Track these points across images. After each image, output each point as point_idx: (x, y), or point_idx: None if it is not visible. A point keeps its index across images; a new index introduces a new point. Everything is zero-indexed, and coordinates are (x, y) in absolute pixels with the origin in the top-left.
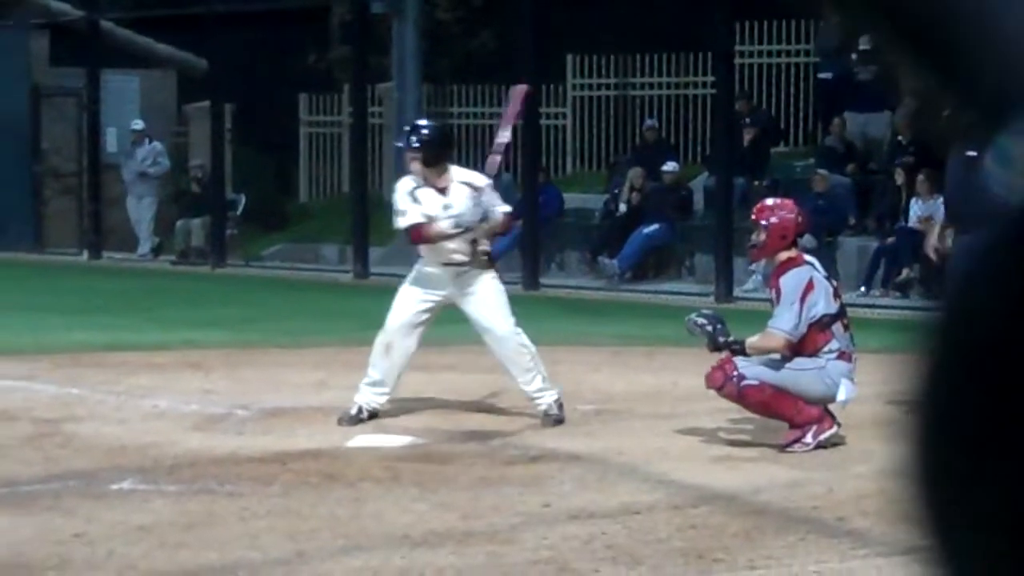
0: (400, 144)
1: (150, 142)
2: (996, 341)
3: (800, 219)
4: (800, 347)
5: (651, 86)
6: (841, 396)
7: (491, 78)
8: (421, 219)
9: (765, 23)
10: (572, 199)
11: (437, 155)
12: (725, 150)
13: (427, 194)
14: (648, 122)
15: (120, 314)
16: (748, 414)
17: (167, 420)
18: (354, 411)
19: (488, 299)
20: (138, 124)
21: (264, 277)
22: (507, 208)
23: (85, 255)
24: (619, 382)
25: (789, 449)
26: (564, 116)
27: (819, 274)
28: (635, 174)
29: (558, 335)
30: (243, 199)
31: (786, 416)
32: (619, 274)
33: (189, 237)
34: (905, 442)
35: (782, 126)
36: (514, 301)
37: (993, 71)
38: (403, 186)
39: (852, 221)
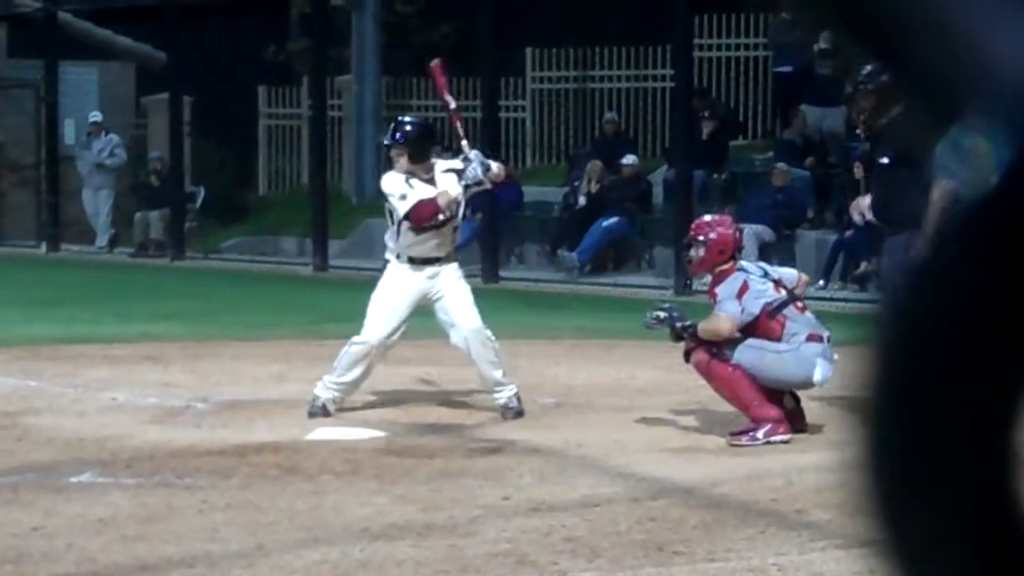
0: (386, 141)
1: (107, 134)
2: (950, 331)
3: (738, 235)
4: (758, 336)
5: (610, 79)
6: (817, 376)
7: (451, 71)
8: (425, 196)
9: (724, 16)
10: (531, 192)
11: (422, 150)
12: (684, 143)
13: (419, 183)
14: (607, 115)
15: (78, 306)
16: (707, 407)
17: (125, 413)
18: (319, 404)
19: (457, 295)
20: (96, 116)
21: (223, 270)
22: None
23: (43, 247)
24: (578, 375)
25: (735, 441)
26: (523, 109)
27: (753, 276)
28: (594, 167)
29: (517, 328)
30: (202, 191)
31: (744, 404)
32: (578, 267)
33: (148, 229)
34: (857, 435)
35: (741, 119)
36: (474, 294)
37: (946, 67)
38: (394, 177)
39: (811, 214)
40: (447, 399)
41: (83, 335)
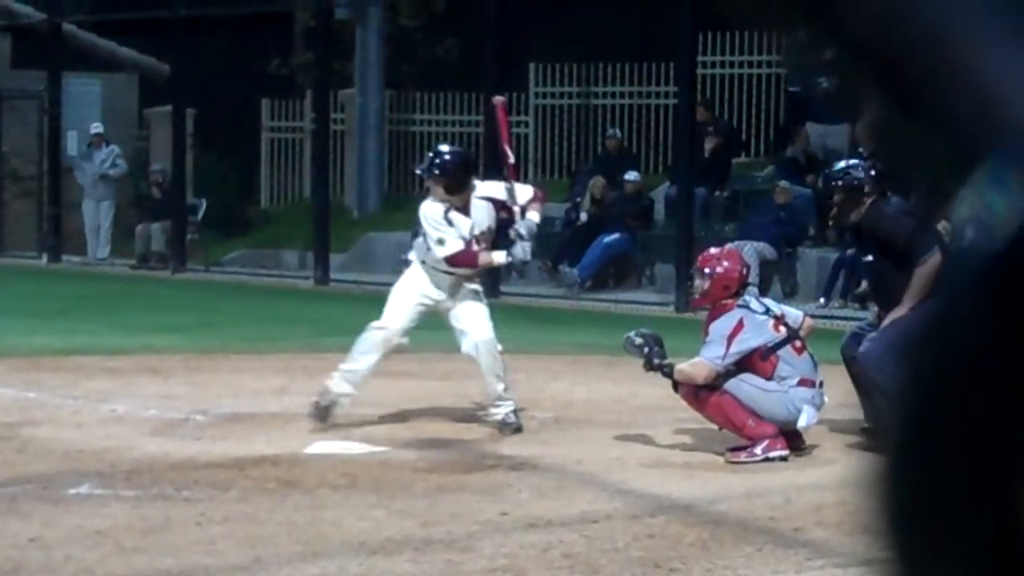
0: (419, 171)
1: (107, 145)
2: (966, 381)
3: (745, 271)
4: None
5: (613, 95)
6: (802, 423)
7: (454, 85)
8: (462, 245)
9: (727, 34)
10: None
11: (460, 182)
12: (686, 160)
13: (457, 217)
14: (610, 131)
15: (79, 318)
16: (706, 424)
17: (125, 425)
18: (329, 398)
19: (475, 306)
20: (97, 127)
21: (224, 282)
22: (534, 196)
23: (44, 259)
24: (578, 391)
25: (734, 458)
26: (526, 124)
27: (753, 312)
28: (596, 183)
29: (518, 343)
30: (204, 204)
31: (739, 425)
32: (579, 283)
33: (149, 241)
34: (872, 457)
35: (743, 137)
36: None
37: (965, 115)
38: (434, 210)
39: (812, 232)
40: (446, 414)
41: (83, 347)
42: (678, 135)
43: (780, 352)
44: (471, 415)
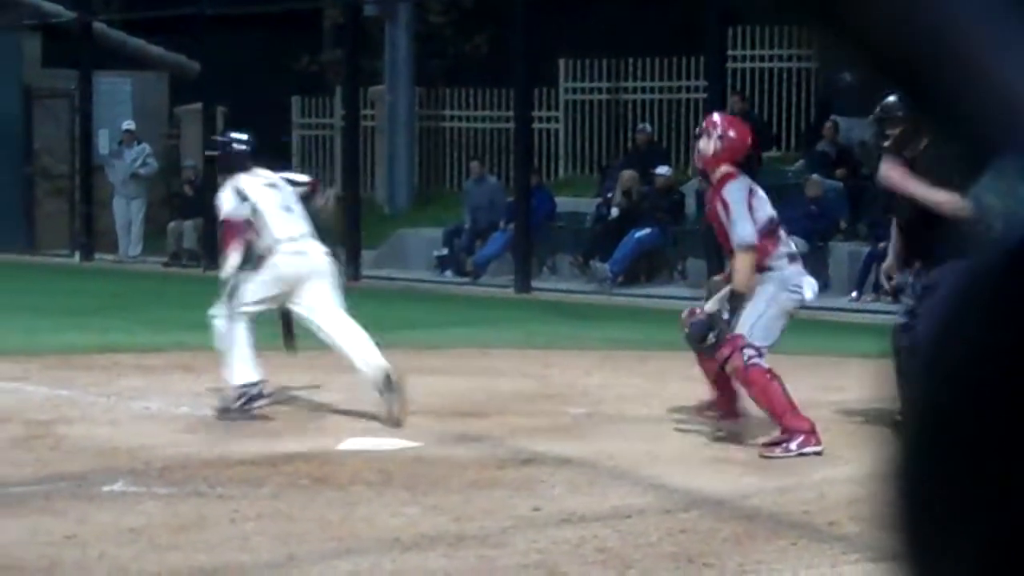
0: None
1: (139, 143)
2: (987, 370)
3: (751, 143)
4: (758, 257)
5: (643, 90)
6: (808, 295)
7: (483, 81)
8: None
9: (757, 28)
10: (564, 203)
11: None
12: None
13: (251, 192)
14: (640, 126)
15: (111, 316)
16: (739, 419)
17: (158, 422)
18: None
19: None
20: (129, 124)
21: None
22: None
23: (77, 257)
24: (610, 386)
25: (768, 453)
26: (556, 120)
27: (756, 186)
28: (627, 178)
29: (550, 338)
30: None
31: (779, 413)
32: (611, 278)
33: (181, 239)
34: (892, 451)
35: (774, 131)
36: (506, 304)
37: (982, 111)
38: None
39: (844, 226)
40: (479, 410)
41: (116, 344)
42: None
43: (768, 240)
44: (503, 410)
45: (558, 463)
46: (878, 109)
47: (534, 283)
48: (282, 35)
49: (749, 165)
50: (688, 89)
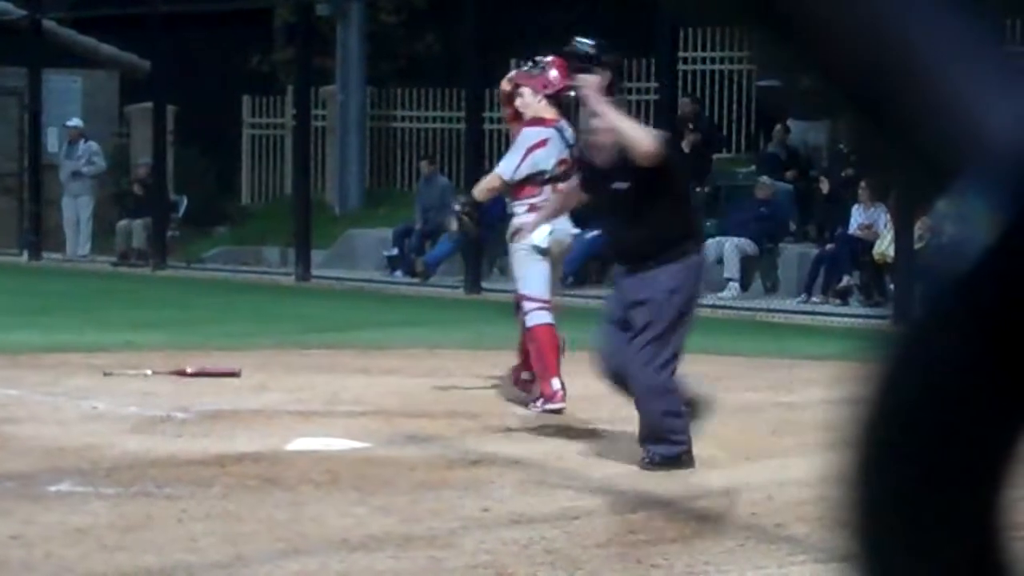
0: None
1: (86, 141)
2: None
3: (562, 73)
4: (511, 192)
5: None
6: (536, 239)
7: (435, 81)
8: None
9: (708, 30)
10: None
11: None
12: None
13: None
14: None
15: (59, 315)
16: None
17: (106, 422)
18: None
19: None
20: (75, 122)
21: (205, 279)
22: None
23: (25, 256)
24: None
25: (538, 406)
26: None
27: (560, 139)
28: None
29: (500, 339)
30: (185, 201)
31: (540, 372)
32: (562, 279)
33: (130, 238)
34: (847, 452)
35: (725, 132)
36: (456, 304)
37: (938, 136)
38: None
39: (793, 228)
40: (428, 410)
41: (64, 344)
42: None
43: (547, 185)
44: (452, 411)
45: (507, 464)
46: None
47: (484, 284)
48: (233, 34)
49: (700, 168)
50: (639, 91)
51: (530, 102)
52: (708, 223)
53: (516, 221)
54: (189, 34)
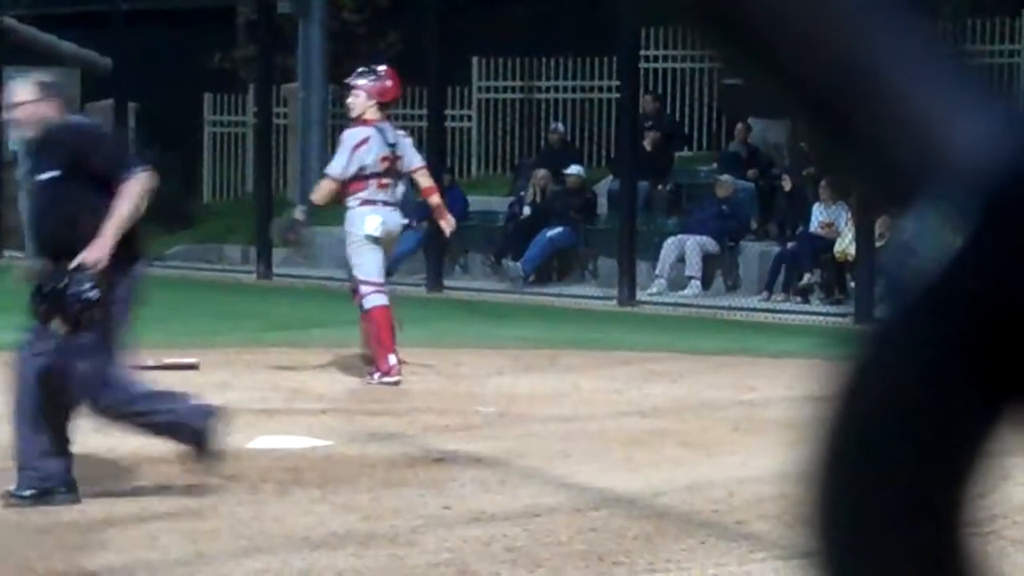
0: None
1: None
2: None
3: (395, 86)
4: (343, 190)
5: (556, 89)
6: (368, 229)
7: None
8: None
9: (670, 28)
10: (476, 202)
11: None
12: (629, 154)
13: None
14: (553, 125)
15: (20, 314)
16: (650, 419)
17: None
18: None
19: None
20: None
21: (166, 277)
22: None
23: None
24: (521, 385)
25: (374, 379)
26: (469, 118)
27: (381, 138)
28: (539, 177)
29: (461, 337)
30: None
31: (377, 351)
32: (523, 277)
33: None
34: (809, 450)
35: (686, 131)
36: (418, 303)
37: (898, 151)
38: None
39: (754, 226)
40: (389, 408)
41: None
42: (620, 129)
43: (372, 180)
44: (414, 409)
45: (468, 462)
46: None
47: (446, 282)
48: (195, 32)
49: (662, 166)
50: (601, 89)
51: (362, 103)
52: (669, 221)
53: (349, 214)
54: (151, 31)
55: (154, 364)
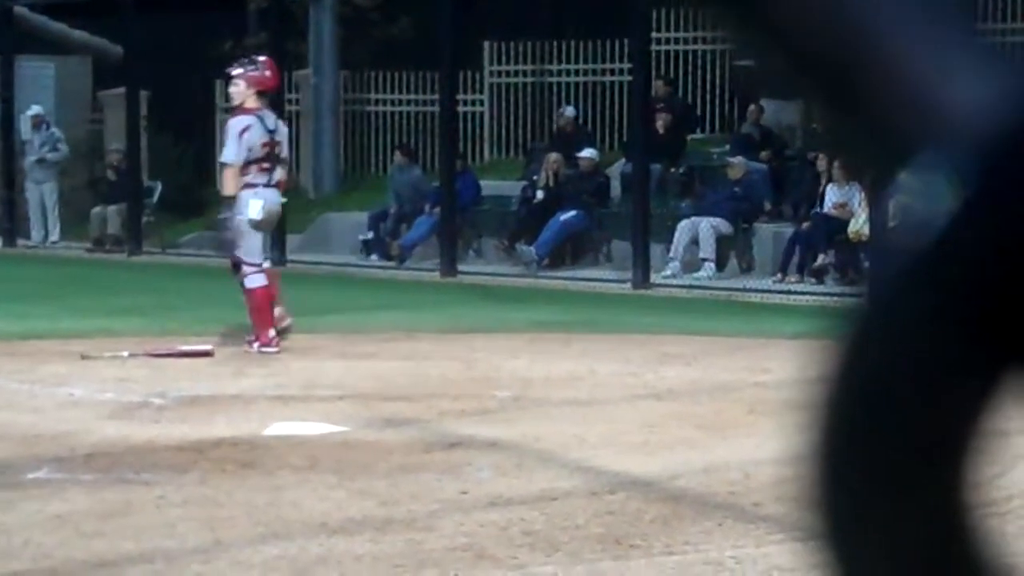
0: None
1: (48, 128)
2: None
3: (274, 76)
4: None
5: (568, 73)
6: (251, 214)
7: (409, 64)
8: None
9: (681, 10)
10: (489, 186)
11: None
12: (641, 137)
13: None
14: (562, 109)
15: (35, 302)
16: (665, 401)
17: (82, 409)
18: None
19: None
20: (35, 109)
21: (180, 265)
22: None
23: None
24: (537, 369)
25: (252, 349)
26: (481, 103)
27: (262, 125)
28: (552, 160)
29: (475, 322)
30: (159, 186)
31: (258, 326)
32: (536, 261)
33: (105, 224)
34: (811, 428)
35: (699, 113)
36: (432, 288)
37: (896, 113)
38: None
39: (768, 207)
40: (405, 394)
41: (40, 331)
42: (633, 112)
43: (254, 165)
44: (430, 394)
45: (485, 446)
46: None
47: (460, 266)
48: (206, 19)
49: (674, 148)
50: (613, 72)
51: (243, 92)
52: (682, 204)
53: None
54: (162, 19)
55: (169, 352)
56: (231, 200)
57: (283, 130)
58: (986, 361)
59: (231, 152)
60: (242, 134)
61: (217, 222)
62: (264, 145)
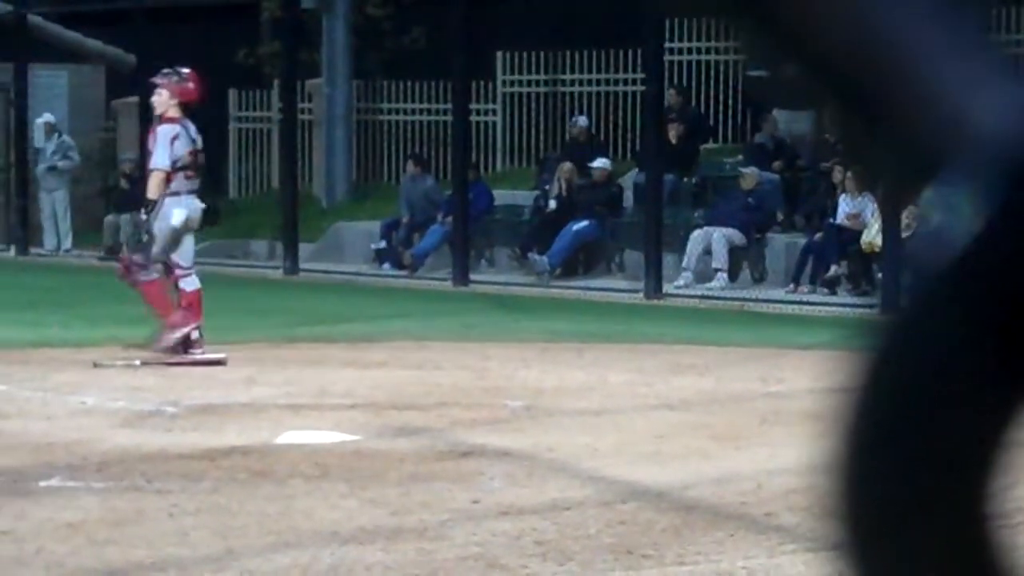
0: None
1: (60, 136)
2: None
3: (196, 87)
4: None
5: (581, 83)
6: (173, 221)
7: (422, 74)
8: None
9: (695, 20)
10: (502, 196)
11: None
12: (654, 147)
13: None
14: (578, 118)
15: (47, 310)
16: (677, 411)
17: (95, 417)
18: None
19: None
20: (46, 117)
21: None
22: None
23: (12, 251)
24: (549, 378)
25: (164, 345)
26: (494, 112)
27: (187, 134)
28: (565, 170)
29: (488, 331)
30: None
31: (163, 313)
32: (549, 270)
33: (117, 233)
34: (835, 439)
35: (711, 123)
36: (444, 297)
37: (924, 126)
38: None
39: (780, 218)
40: (417, 403)
41: (52, 339)
42: (646, 122)
43: (181, 172)
44: (442, 403)
45: (497, 456)
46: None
47: (472, 276)
48: (219, 28)
49: (687, 158)
50: (626, 82)
51: (166, 102)
52: (695, 214)
53: (163, 203)
54: (175, 28)
55: (181, 360)
56: (153, 204)
57: (200, 141)
58: (1011, 374)
59: (163, 159)
60: (172, 142)
61: (139, 222)
62: (190, 153)
